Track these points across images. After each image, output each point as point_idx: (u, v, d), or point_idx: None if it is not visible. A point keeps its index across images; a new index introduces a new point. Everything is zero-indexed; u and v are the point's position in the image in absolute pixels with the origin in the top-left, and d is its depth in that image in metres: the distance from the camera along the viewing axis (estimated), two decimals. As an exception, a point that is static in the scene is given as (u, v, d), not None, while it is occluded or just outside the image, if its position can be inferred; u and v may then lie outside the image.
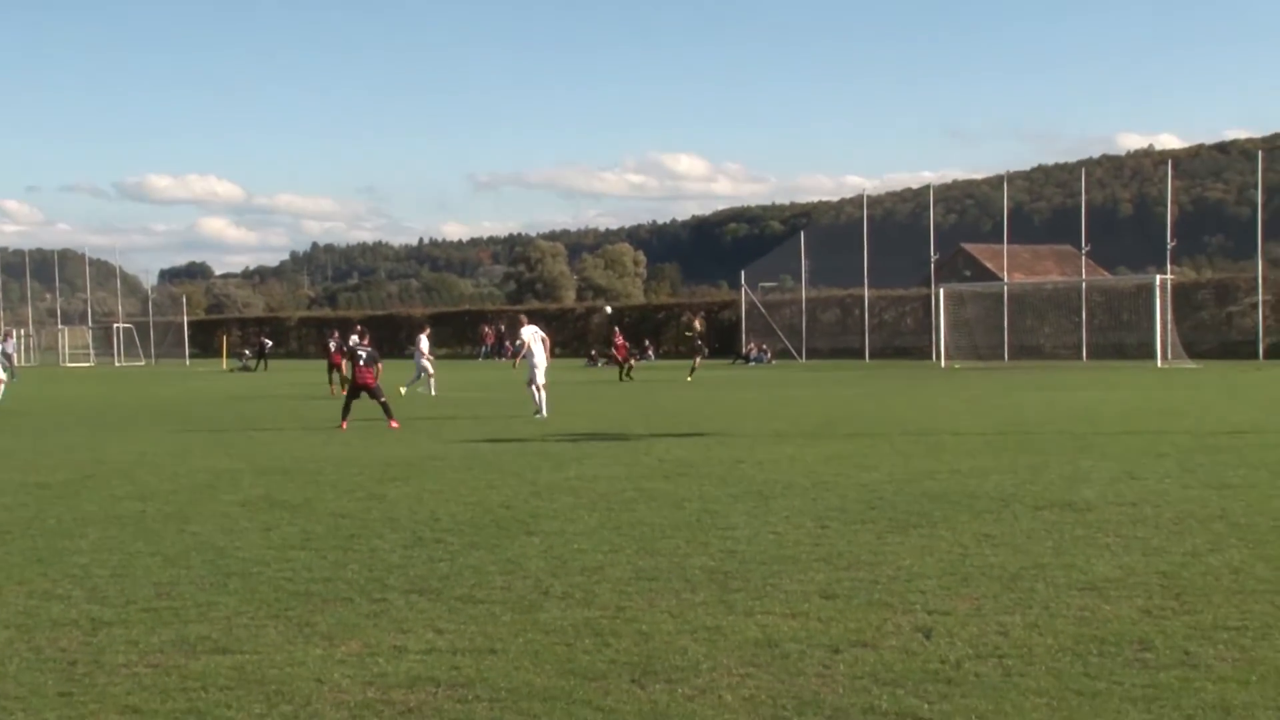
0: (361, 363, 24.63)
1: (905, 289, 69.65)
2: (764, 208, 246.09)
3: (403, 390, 35.03)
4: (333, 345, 38.40)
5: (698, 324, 51.62)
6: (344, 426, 23.55)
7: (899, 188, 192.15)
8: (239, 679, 7.03)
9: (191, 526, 12.39)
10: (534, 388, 25.76)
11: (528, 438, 21.38)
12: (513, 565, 10.11)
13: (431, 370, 36.98)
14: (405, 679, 6.98)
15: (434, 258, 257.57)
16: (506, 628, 8.06)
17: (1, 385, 38.92)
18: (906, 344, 63.91)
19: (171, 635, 8.02)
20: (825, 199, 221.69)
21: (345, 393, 25.33)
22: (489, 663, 7.27)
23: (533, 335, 26.64)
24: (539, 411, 25.40)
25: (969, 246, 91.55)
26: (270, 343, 69.34)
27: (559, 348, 73.71)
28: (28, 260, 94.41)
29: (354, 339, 45.57)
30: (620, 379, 44.52)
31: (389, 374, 27.94)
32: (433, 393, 35.59)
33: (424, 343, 37.85)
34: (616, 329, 53.93)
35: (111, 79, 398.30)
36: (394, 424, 23.64)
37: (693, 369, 45.04)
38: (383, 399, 24.40)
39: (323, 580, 9.65)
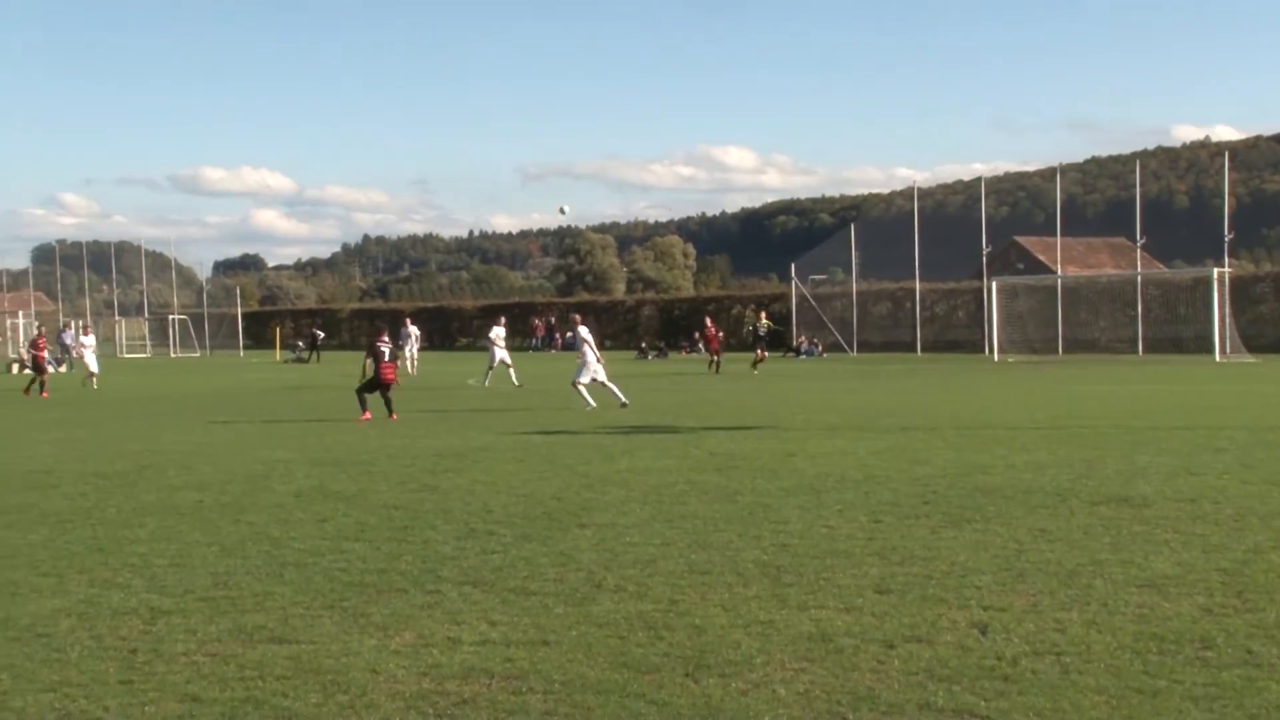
0: (385, 359, 24.86)
1: (957, 282, 69.17)
2: (813, 200, 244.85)
3: (472, 382, 35.63)
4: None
5: (763, 317, 51.07)
6: (367, 416, 23.94)
7: (950, 180, 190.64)
8: (295, 668, 7.08)
9: (247, 517, 12.50)
10: (581, 386, 25.90)
11: (579, 430, 21.41)
12: (565, 558, 10.12)
13: (509, 360, 37.32)
14: (459, 670, 7.01)
15: (484, 250, 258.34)
16: (559, 620, 8.07)
17: (94, 378, 39.66)
18: (958, 337, 63.49)
19: (229, 624, 8.09)
20: (875, 191, 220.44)
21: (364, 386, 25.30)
22: (542, 655, 7.28)
23: (587, 335, 27.09)
24: (587, 404, 25.53)
25: (1022, 239, 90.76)
26: (322, 334, 69.77)
27: (609, 340, 74.01)
28: (85, 252, 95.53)
29: (409, 330, 46.10)
30: (710, 370, 43.24)
31: (445, 364, 28.05)
32: (515, 382, 35.80)
33: (497, 333, 38.57)
34: (709, 318, 52.33)
35: (166, 73, 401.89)
36: (394, 416, 24.07)
37: (756, 361, 44.80)
38: (390, 393, 24.76)
39: (377, 571, 9.70)
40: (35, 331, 46.64)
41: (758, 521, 11.72)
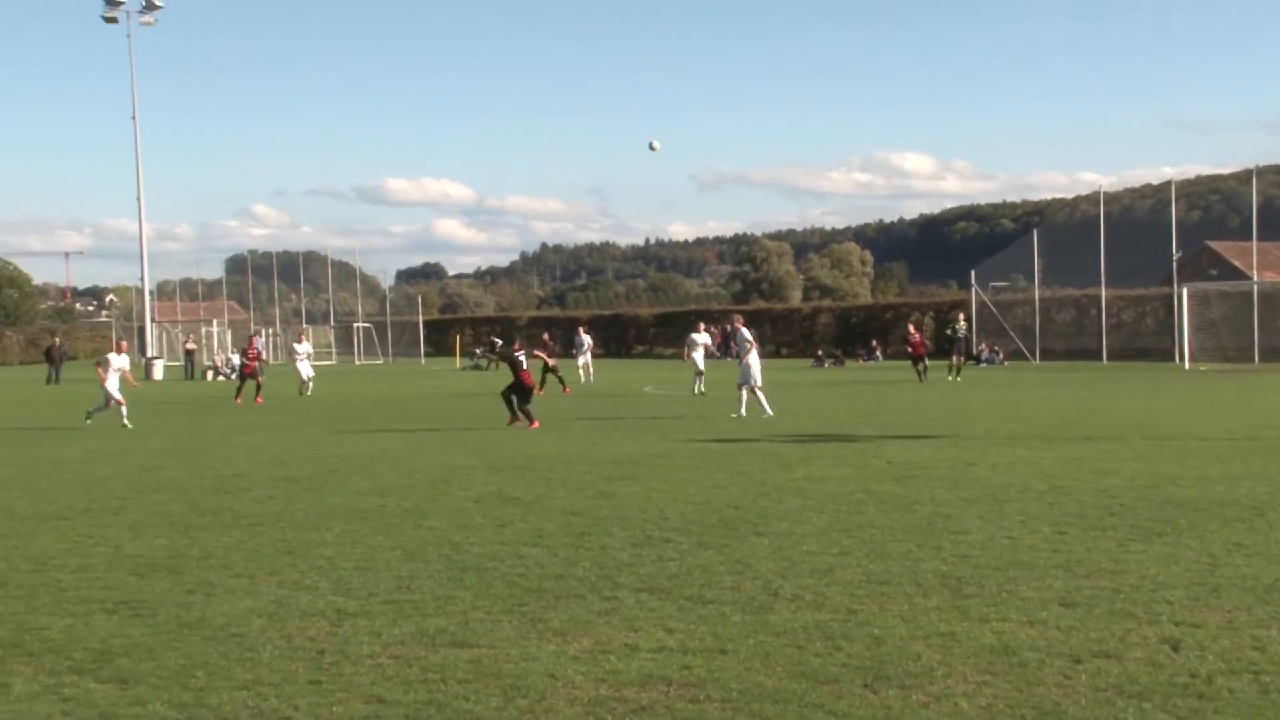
0: (523, 366, 25.13)
1: (1145, 288, 67.08)
2: (994, 205, 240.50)
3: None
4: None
5: (961, 322, 49.77)
6: (535, 425, 24.05)
7: (1137, 184, 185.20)
8: (476, 672, 7.18)
9: (429, 521, 12.75)
10: (749, 390, 25.80)
11: (754, 438, 21.35)
12: (742, 566, 10.09)
13: (701, 367, 36.89)
14: (637, 677, 7.03)
15: (660, 257, 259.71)
16: (737, 628, 8.05)
17: (310, 383, 40.59)
18: (1147, 345, 61.53)
19: (412, 628, 8.25)
20: (1059, 196, 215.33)
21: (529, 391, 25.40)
22: (720, 663, 7.26)
23: (750, 336, 26.93)
24: (764, 412, 25.43)
25: (1215, 244, 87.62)
26: (499, 341, 70.85)
27: (785, 348, 73.73)
28: (275, 262, 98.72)
29: (582, 338, 46.34)
30: (918, 378, 40.94)
31: (620, 372, 28.23)
32: (699, 390, 35.61)
33: (702, 338, 38.54)
34: (912, 325, 50.33)
35: (352, 88, 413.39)
36: (535, 424, 24.15)
37: (956, 369, 43.73)
38: (529, 403, 24.93)
39: (555, 577, 9.80)
40: (244, 340, 47.75)
41: (937, 532, 11.53)
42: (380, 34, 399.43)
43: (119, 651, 7.79)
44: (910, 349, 43.63)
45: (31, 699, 6.90)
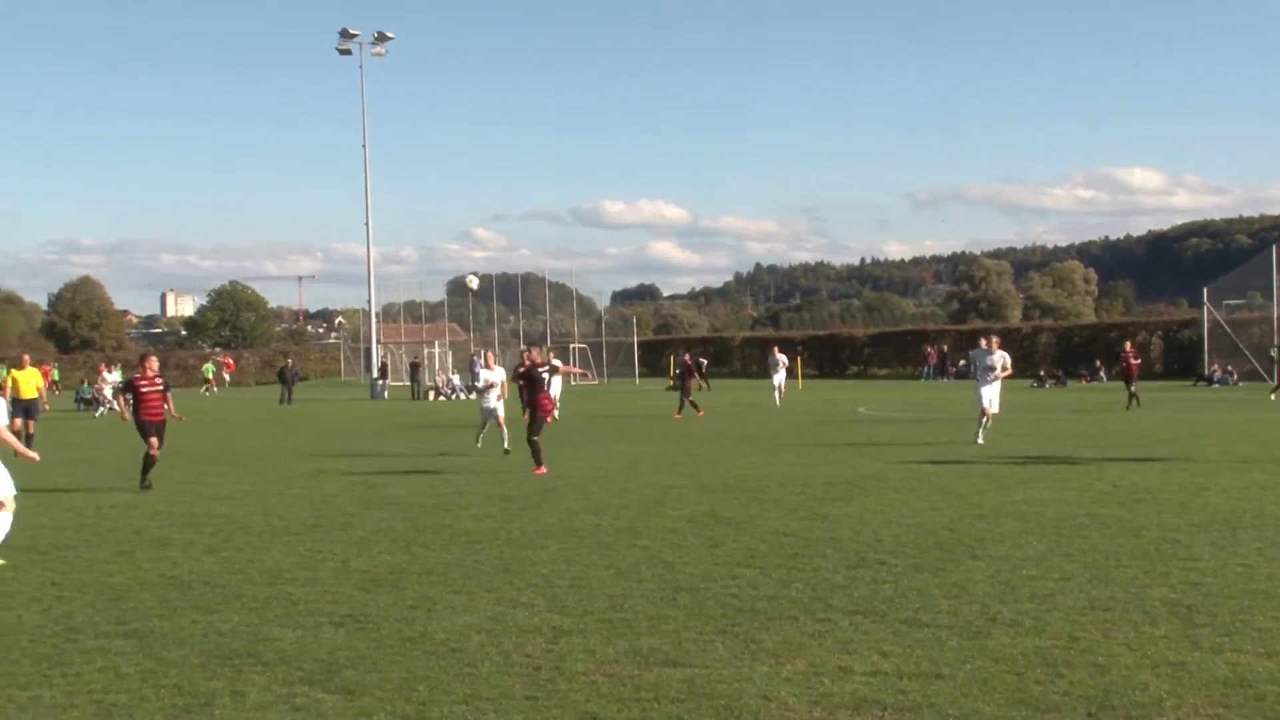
0: (545, 387, 21.10)
1: (1397, 307, 63.54)
2: (1229, 220, 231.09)
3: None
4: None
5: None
6: (541, 471, 19.81)
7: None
8: (689, 692, 7.20)
9: (641, 541, 12.84)
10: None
11: (970, 460, 20.92)
12: (958, 589, 9.89)
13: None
14: (851, 700, 6.95)
15: (875, 277, 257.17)
16: (953, 653, 7.89)
17: (500, 406, 41.04)
18: (1397, 365, 58.24)
19: (625, 646, 8.32)
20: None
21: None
22: (936, 688, 7.13)
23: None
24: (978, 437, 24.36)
25: None
26: (705, 361, 70.97)
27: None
28: (495, 284, 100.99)
29: (777, 358, 45.56)
30: (1130, 405, 36.85)
31: (833, 393, 27.95)
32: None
33: (999, 359, 37.68)
34: (1129, 343, 44.86)
35: (569, 112, 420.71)
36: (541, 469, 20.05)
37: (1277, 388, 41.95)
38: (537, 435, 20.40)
39: (767, 598, 9.76)
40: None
41: (1165, 558, 11.11)
42: (595, 57, 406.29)
43: (346, 663, 8.05)
44: (1123, 368, 39.03)
45: (265, 707, 7.19)
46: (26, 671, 8.04)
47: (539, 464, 20.02)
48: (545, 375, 21.10)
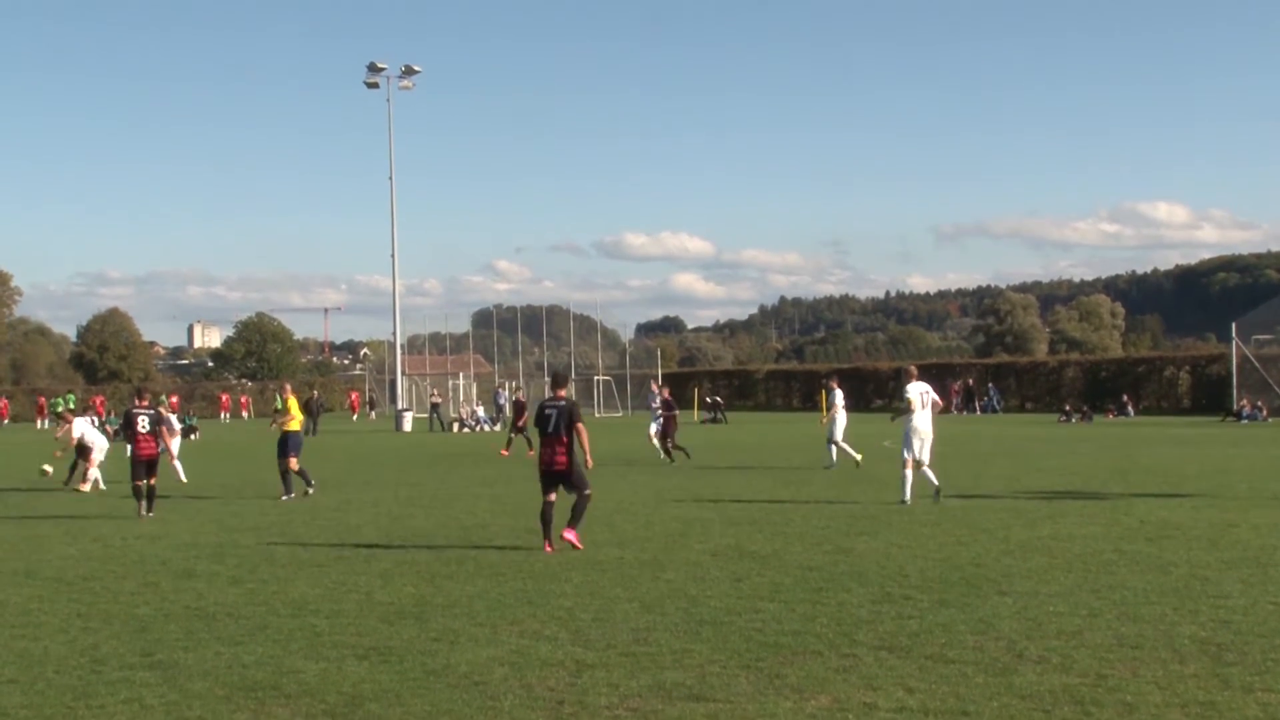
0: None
1: None
2: (1258, 255, 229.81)
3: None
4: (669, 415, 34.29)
5: None
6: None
7: None
8: (712, 726, 7.16)
9: (666, 574, 12.80)
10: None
11: (997, 494, 20.82)
12: (984, 625, 9.83)
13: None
14: (876, 737, 6.90)
15: (900, 310, 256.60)
16: (979, 690, 7.83)
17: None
18: None
19: (649, 680, 8.28)
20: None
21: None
22: (962, 726, 7.07)
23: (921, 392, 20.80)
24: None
25: None
26: (721, 401, 70.89)
27: (1030, 402, 71.83)
28: (519, 316, 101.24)
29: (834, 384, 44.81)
30: None
31: (859, 426, 27.96)
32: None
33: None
34: None
35: (592, 145, 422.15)
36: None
37: None
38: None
39: (792, 633, 9.71)
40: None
41: (1194, 595, 11.01)
42: (619, 90, 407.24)
43: (369, 696, 8.04)
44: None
45: (287, 739, 7.17)
46: (52, 703, 8.06)
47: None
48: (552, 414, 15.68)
